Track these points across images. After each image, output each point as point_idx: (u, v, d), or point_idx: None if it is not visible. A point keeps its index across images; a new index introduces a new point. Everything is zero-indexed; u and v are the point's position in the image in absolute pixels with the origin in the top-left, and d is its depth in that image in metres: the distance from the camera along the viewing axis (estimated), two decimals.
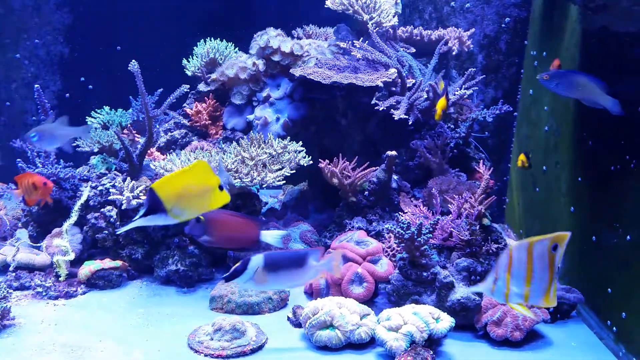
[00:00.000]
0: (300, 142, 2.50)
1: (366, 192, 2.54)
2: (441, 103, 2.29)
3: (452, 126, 2.72)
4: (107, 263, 2.34)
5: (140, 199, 2.37)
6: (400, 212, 2.40)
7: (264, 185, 2.29)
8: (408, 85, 2.55)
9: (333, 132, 2.79)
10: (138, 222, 1.50)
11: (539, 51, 2.84)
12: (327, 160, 2.51)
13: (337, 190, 2.58)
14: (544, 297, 1.42)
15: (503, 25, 3.10)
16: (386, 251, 2.34)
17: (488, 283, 1.44)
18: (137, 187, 2.40)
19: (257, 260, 1.70)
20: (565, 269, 2.43)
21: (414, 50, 2.83)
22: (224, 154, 2.34)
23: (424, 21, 3.28)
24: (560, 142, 2.55)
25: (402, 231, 2.05)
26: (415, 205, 2.41)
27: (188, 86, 2.49)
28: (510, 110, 2.54)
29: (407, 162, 2.71)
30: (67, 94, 3.60)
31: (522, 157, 2.47)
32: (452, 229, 2.19)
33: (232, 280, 1.71)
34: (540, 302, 1.44)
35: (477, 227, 2.15)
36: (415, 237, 2.05)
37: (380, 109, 2.42)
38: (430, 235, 2.07)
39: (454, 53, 2.75)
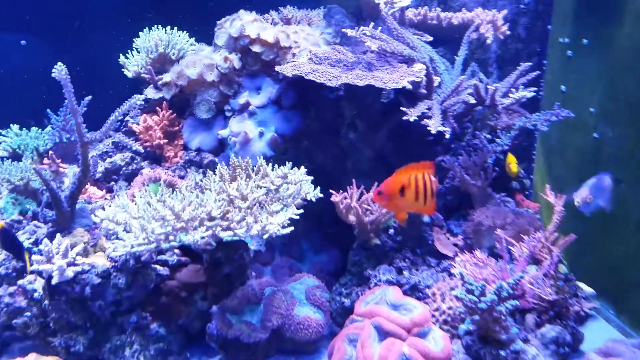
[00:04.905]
0: (291, 163, 1.79)
1: (391, 231, 1.90)
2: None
3: (489, 136, 2.13)
4: None
5: (77, 265, 1.60)
6: (452, 262, 1.78)
7: (265, 236, 1.59)
8: (435, 85, 1.93)
9: (331, 147, 2.13)
10: None
11: (575, 38, 2.31)
12: (341, 192, 1.85)
13: (337, 219, 1.92)
14: None
15: (522, 6, 2.53)
16: (433, 315, 1.72)
17: None
18: (72, 248, 1.63)
19: None
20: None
21: (430, 38, 2.19)
22: (203, 194, 1.62)
23: (420, 1, 2.66)
24: (620, 152, 2.03)
25: (475, 298, 1.45)
26: (462, 249, 1.80)
27: (142, 97, 1.74)
28: (571, 116, 1.96)
29: None
30: None
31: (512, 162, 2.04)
32: (529, 286, 1.61)
33: None
34: None
35: (564, 282, 1.59)
36: (495, 305, 1.45)
37: (411, 119, 1.78)
38: (517, 302, 1.47)
39: (488, 42, 2.15)
